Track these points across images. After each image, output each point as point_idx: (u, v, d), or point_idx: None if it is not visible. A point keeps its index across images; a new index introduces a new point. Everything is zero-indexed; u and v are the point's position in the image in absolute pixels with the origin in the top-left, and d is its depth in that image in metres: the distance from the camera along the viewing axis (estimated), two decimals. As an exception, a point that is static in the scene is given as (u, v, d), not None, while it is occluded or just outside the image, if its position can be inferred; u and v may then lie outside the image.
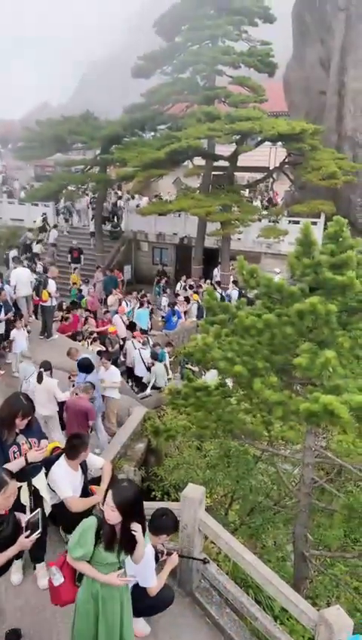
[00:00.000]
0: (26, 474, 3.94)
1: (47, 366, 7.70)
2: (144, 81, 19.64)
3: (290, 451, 6.24)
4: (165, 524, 3.92)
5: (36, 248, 21.59)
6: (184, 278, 19.17)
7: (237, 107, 16.49)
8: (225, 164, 18.03)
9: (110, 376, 8.25)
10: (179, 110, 19.22)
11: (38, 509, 3.36)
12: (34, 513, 3.26)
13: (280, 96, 21.32)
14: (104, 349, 12.37)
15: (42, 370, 7.46)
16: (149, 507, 4.09)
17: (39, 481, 4.09)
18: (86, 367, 7.51)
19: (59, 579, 3.24)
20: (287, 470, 7.10)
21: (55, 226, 23.25)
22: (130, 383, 12.31)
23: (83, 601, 3.12)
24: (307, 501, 5.18)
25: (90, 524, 3.03)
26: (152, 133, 19.78)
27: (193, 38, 17.89)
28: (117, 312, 14.87)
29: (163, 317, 16.98)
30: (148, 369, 11.94)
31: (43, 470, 4.17)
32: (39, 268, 16.46)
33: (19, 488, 3.83)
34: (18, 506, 3.79)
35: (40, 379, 7.29)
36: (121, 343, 13.04)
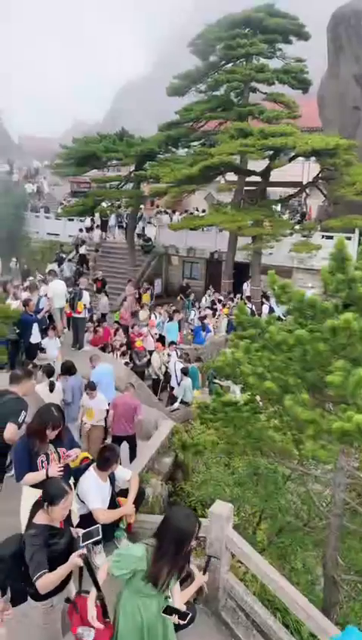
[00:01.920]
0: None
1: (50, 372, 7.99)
2: (178, 99, 20.03)
3: (321, 471, 6.08)
4: None
5: (82, 249, 22.33)
6: (209, 292, 19.12)
7: (271, 123, 16.56)
8: (258, 179, 18.07)
9: (97, 404, 7.62)
10: (213, 127, 19.46)
11: (98, 525, 3.31)
12: (92, 528, 3.20)
13: (315, 112, 21.28)
14: (135, 359, 12.56)
15: (52, 380, 7.73)
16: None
17: None
18: (68, 369, 8.11)
19: (89, 635, 2.97)
20: (318, 490, 6.92)
21: (83, 242, 23.87)
22: (157, 396, 12.36)
23: (127, 630, 2.91)
24: (338, 523, 5.02)
25: (140, 554, 2.86)
26: (186, 150, 20.08)
27: (227, 57, 18.16)
28: (147, 326, 15.02)
29: (192, 330, 17.00)
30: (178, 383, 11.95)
31: (72, 480, 4.20)
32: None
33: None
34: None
35: (52, 388, 7.48)
36: (149, 356, 13.14)
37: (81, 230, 24.39)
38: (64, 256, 23.26)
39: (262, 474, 6.84)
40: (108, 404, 7.68)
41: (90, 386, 7.49)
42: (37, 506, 3.21)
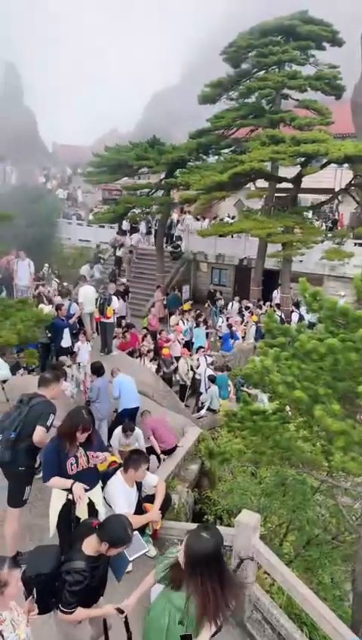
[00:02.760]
0: (89, 482, 4.01)
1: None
2: (209, 106, 20.12)
3: (351, 484, 5.93)
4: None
5: (120, 252, 23.02)
6: (237, 299, 19.00)
7: (303, 130, 16.42)
8: (289, 185, 17.92)
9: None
10: (244, 134, 19.44)
11: (136, 533, 3.22)
12: (133, 542, 3.11)
13: (348, 118, 21.01)
14: (162, 367, 12.61)
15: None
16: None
17: (96, 494, 4.15)
18: (97, 369, 8.39)
19: None
20: (347, 503, 6.75)
21: (121, 245, 24.21)
22: (184, 402, 12.36)
23: (152, 629, 2.90)
24: (368, 538, 4.88)
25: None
26: (216, 157, 20.12)
27: (260, 64, 18.16)
28: (174, 332, 15.07)
29: (219, 337, 16.95)
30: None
31: (100, 484, 4.24)
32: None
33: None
34: (73, 517, 3.88)
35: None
36: (176, 363, 13.18)
37: (118, 233, 24.74)
38: (101, 256, 23.78)
39: (290, 484, 6.72)
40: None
41: (128, 427, 7.25)
42: (90, 531, 3.05)
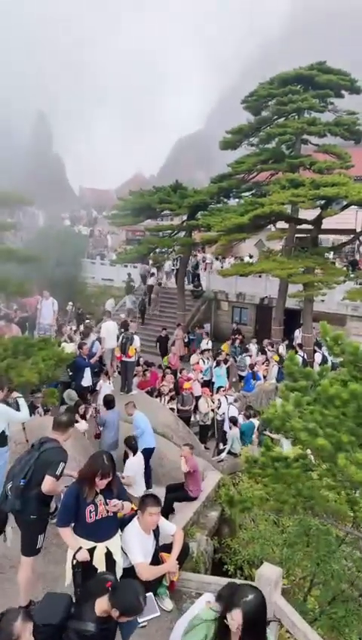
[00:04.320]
0: (101, 535, 3.92)
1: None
2: (231, 151, 20.78)
3: (379, 537, 5.65)
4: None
5: (151, 280, 23.98)
6: (255, 340, 18.83)
7: (323, 173, 16.73)
8: (309, 226, 18.11)
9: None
10: (264, 177, 19.90)
11: (150, 594, 3.20)
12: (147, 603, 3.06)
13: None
14: (179, 404, 12.48)
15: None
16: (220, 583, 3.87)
17: (113, 543, 4.02)
18: (108, 402, 8.66)
19: None
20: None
21: (152, 274, 24.69)
22: (204, 444, 12.13)
23: None
24: None
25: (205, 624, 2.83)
26: (237, 200, 20.57)
27: (279, 112, 18.78)
28: (194, 370, 15.01)
29: (241, 377, 16.76)
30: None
31: (119, 533, 4.12)
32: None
33: (93, 549, 3.82)
34: (90, 567, 3.78)
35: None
36: (194, 402, 13.05)
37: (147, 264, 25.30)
38: (133, 284, 24.39)
39: (314, 535, 6.43)
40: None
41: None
42: (103, 591, 2.97)
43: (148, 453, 8.11)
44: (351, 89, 18.55)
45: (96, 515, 3.87)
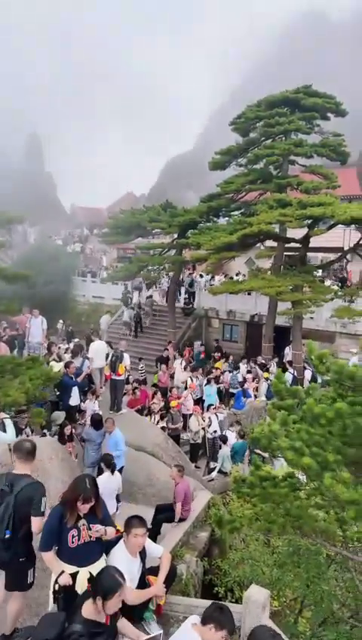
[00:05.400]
0: (83, 560, 3.84)
1: None
2: (220, 172, 21.14)
3: (368, 556, 5.62)
4: (228, 617, 3.27)
5: (150, 291, 24.49)
6: (245, 360, 18.87)
7: (310, 193, 17.04)
8: (298, 245, 18.36)
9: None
10: (253, 197, 20.23)
11: (160, 632, 3.18)
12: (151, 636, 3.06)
13: (354, 181, 21.83)
14: (169, 423, 12.40)
15: None
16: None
17: (97, 568, 3.84)
18: (95, 422, 8.73)
19: None
20: (366, 578, 6.33)
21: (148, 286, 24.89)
22: (195, 462, 12.04)
23: None
24: (388, 619, 4.55)
25: None
26: (226, 219, 20.85)
27: (267, 134, 19.20)
28: (186, 389, 14.97)
29: (232, 394, 16.74)
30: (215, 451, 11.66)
31: (104, 557, 4.04)
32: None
33: (75, 574, 3.75)
34: (73, 592, 3.70)
35: None
36: (182, 420, 13.00)
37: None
38: (130, 296, 24.49)
39: (304, 555, 6.37)
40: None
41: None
42: (86, 595, 3.02)
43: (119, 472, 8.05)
44: (337, 112, 19.06)
45: (78, 540, 3.80)
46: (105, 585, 2.95)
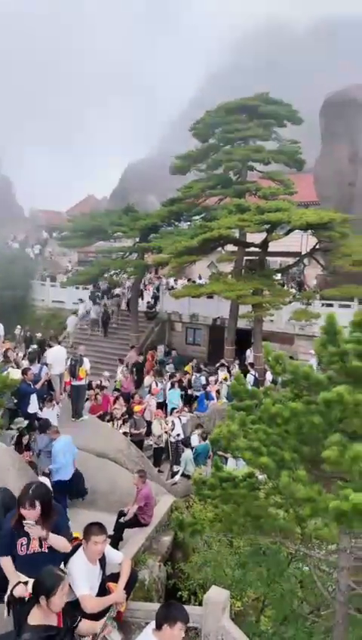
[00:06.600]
0: (35, 571, 3.74)
1: None
2: (180, 177, 21.30)
3: (325, 552, 5.77)
4: (176, 610, 3.25)
5: (118, 290, 24.67)
6: (199, 368, 18.96)
7: (268, 199, 17.43)
8: (257, 249, 18.72)
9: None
10: (213, 202, 20.49)
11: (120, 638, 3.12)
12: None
13: (311, 186, 22.46)
14: (132, 428, 12.30)
15: None
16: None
17: None
18: (41, 426, 8.59)
19: None
20: (325, 572, 6.48)
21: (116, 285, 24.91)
22: (158, 467, 12.00)
23: None
24: (344, 611, 4.69)
25: None
26: (188, 223, 21.02)
27: (225, 140, 19.52)
28: (149, 393, 14.91)
29: (195, 397, 16.80)
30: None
31: (62, 565, 3.94)
32: None
33: (26, 583, 3.66)
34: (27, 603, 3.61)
35: None
36: (146, 425, 12.92)
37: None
38: (98, 294, 24.35)
39: (265, 554, 6.46)
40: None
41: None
42: (29, 604, 2.95)
43: (63, 486, 7.58)
44: (293, 119, 19.61)
45: (27, 549, 3.72)
46: (46, 582, 2.90)
